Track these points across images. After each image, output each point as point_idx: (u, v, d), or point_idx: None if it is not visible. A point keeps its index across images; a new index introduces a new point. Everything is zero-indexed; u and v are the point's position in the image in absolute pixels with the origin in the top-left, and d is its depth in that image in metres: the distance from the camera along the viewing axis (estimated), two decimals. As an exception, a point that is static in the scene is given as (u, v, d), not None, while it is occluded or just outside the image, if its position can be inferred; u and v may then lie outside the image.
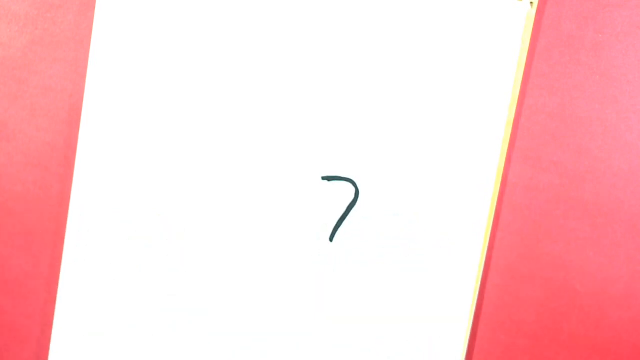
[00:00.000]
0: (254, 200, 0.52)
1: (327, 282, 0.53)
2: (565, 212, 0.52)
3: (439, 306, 0.52)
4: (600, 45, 0.51)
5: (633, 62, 0.51)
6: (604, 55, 0.51)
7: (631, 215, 0.52)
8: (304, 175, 0.52)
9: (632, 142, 0.51)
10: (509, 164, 0.52)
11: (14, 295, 0.56)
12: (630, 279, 0.52)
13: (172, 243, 0.53)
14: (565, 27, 0.52)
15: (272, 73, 0.52)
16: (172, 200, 0.53)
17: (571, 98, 0.52)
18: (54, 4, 0.54)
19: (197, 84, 0.52)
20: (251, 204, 0.52)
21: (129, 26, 0.52)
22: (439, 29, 0.51)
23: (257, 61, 0.52)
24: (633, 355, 0.52)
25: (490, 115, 0.51)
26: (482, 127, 0.51)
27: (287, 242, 0.53)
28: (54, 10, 0.54)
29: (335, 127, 0.52)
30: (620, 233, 0.52)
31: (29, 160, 0.55)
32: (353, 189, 0.52)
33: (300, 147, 0.52)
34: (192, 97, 0.52)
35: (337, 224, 0.52)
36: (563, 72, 0.52)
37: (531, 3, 0.51)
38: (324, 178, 0.52)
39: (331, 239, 0.52)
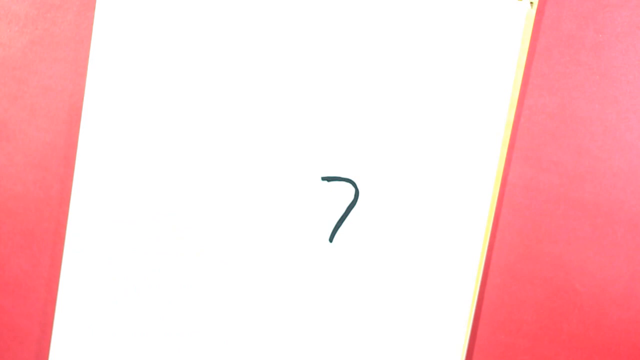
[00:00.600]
0: (253, 200, 0.52)
1: (327, 283, 0.53)
2: (565, 212, 0.52)
3: (439, 306, 0.52)
4: (600, 45, 0.51)
5: (633, 62, 0.51)
6: (604, 55, 0.51)
7: (631, 215, 0.52)
8: (304, 175, 0.52)
9: (632, 142, 0.51)
10: (509, 164, 0.52)
11: (14, 295, 0.56)
12: (630, 279, 0.52)
13: (172, 243, 0.53)
14: (565, 27, 0.52)
15: (272, 74, 0.52)
16: (172, 200, 0.53)
17: (571, 98, 0.52)
18: (54, 4, 0.54)
19: (198, 84, 0.52)
20: (251, 204, 0.52)
21: (129, 26, 0.52)
22: (438, 29, 0.51)
23: (257, 62, 0.52)
24: (633, 355, 0.52)
25: (490, 115, 0.51)
26: (482, 127, 0.51)
27: (286, 243, 0.53)
28: (54, 10, 0.54)
29: (335, 127, 0.52)
30: (620, 233, 0.52)
31: (29, 160, 0.55)
32: (353, 190, 0.52)
33: (300, 148, 0.52)
34: (192, 97, 0.52)
35: (337, 225, 0.52)
36: (563, 72, 0.52)
37: (531, 3, 0.51)
38: (323, 178, 0.52)
39: (331, 240, 0.52)
